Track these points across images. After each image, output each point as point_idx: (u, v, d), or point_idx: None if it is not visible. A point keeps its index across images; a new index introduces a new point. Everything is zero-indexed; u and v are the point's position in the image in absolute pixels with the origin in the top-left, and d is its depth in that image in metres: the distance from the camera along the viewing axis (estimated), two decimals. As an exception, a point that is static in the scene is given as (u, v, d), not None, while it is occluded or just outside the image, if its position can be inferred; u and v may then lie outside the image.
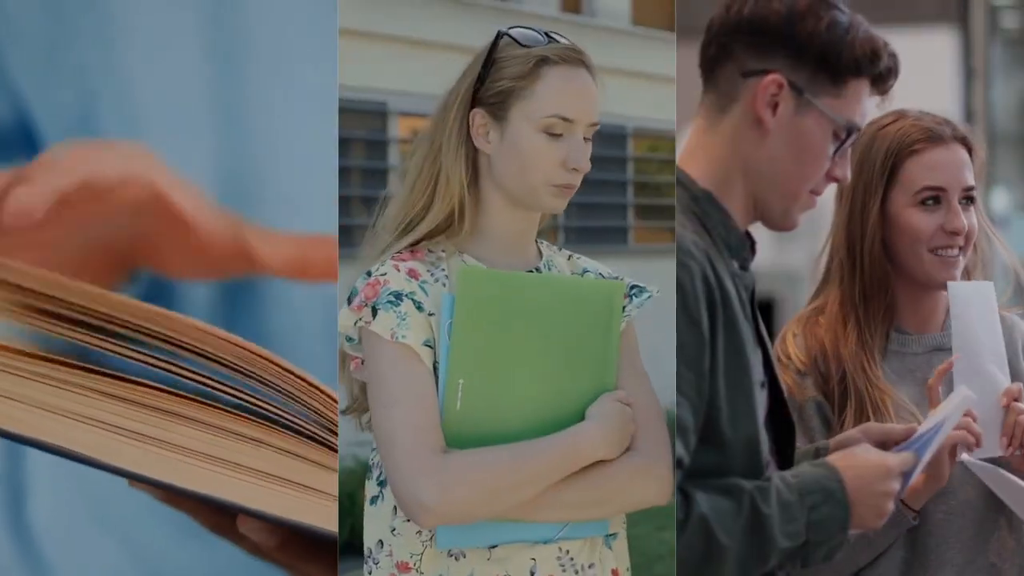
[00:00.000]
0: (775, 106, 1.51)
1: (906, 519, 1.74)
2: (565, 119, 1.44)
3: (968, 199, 1.84)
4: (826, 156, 1.52)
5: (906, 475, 1.57)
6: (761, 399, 1.53)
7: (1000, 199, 5.93)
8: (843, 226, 1.86)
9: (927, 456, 1.60)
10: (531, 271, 1.51)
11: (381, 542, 1.45)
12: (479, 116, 1.45)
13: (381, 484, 1.45)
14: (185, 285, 1.52)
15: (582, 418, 1.44)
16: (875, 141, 1.84)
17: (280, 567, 1.43)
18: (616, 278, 1.52)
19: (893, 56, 1.54)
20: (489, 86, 1.45)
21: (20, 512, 1.81)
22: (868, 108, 1.55)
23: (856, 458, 1.54)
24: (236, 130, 1.59)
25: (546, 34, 1.47)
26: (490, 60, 1.46)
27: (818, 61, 1.51)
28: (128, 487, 1.74)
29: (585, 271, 1.53)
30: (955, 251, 1.82)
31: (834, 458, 1.55)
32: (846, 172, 1.55)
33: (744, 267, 1.55)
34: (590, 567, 1.47)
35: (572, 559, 1.46)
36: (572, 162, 1.45)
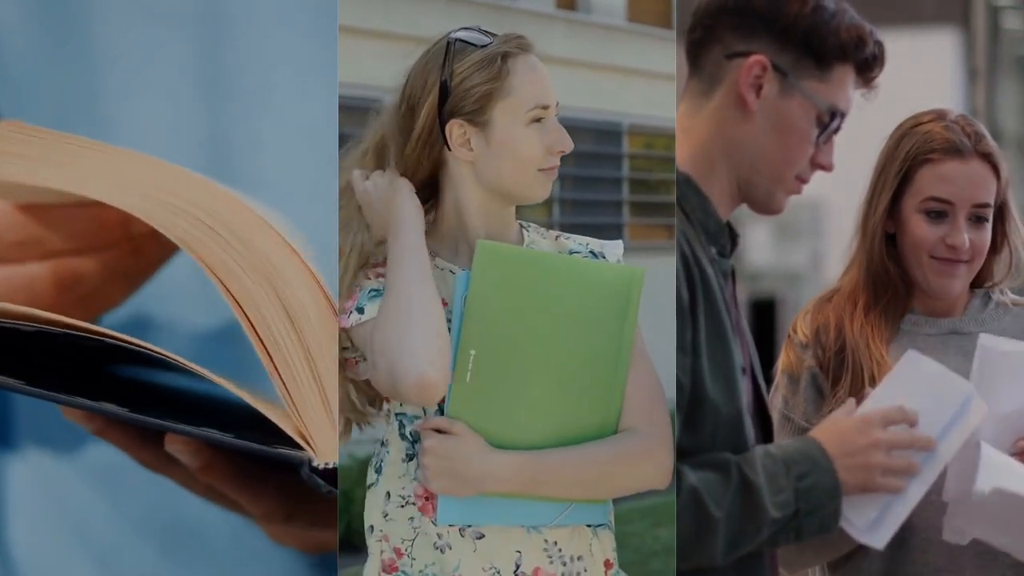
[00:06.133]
0: (759, 88, 1.53)
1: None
2: (544, 107, 1.45)
3: (979, 216, 1.84)
4: (809, 140, 1.54)
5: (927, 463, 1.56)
6: (744, 385, 1.54)
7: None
8: (862, 213, 1.89)
9: (938, 460, 1.59)
10: None
11: (372, 528, 1.48)
12: (457, 127, 1.45)
13: (378, 471, 1.48)
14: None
15: (589, 399, 1.45)
16: (904, 138, 1.86)
17: (210, 497, 1.44)
18: (596, 253, 1.52)
19: (879, 44, 1.56)
20: (463, 96, 1.45)
21: None
22: (853, 96, 1.57)
23: (829, 421, 1.56)
24: (232, 140, 1.58)
25: (480, 29, 1.48)
26: (447, 70, 1.45)
27: (803, 44, 1.53)
28: (107, 512, 1.74)
29: (572, 251, 1.53)
30: (958, 262, 1.83)
31: (813, 431, 1.56)
32: (831, 160, 1.56)
33: (722, 254, 1.56)
34: (579, 559, 1.47)
35: (560, 550, 1.47)
36: (559, 145, 1.47)
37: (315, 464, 1.28)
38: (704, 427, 1.49)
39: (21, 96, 1.70)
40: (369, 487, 1.49)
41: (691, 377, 1.48)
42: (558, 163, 1.49)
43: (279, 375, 1.31)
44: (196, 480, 1.41)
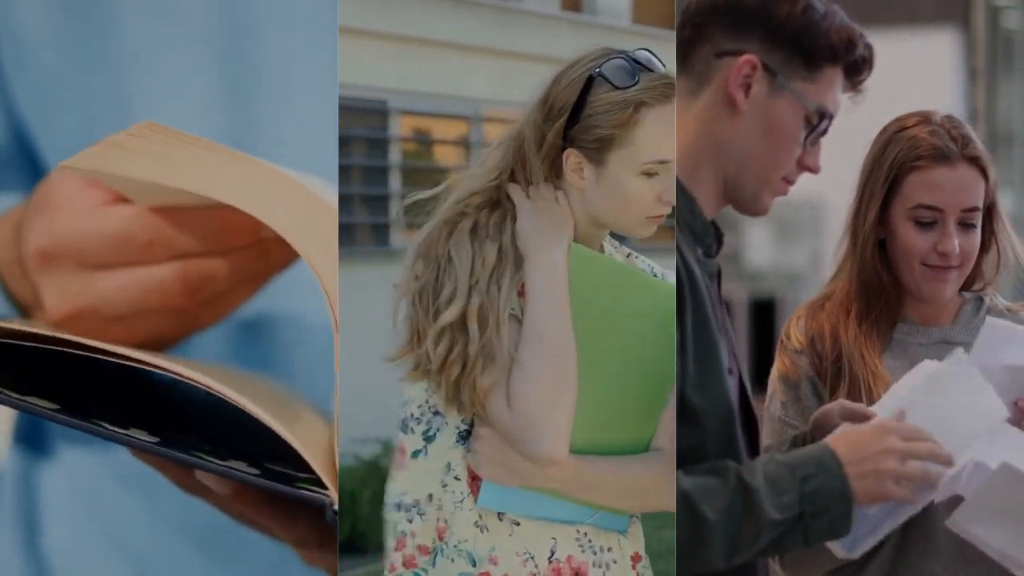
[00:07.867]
0: (748, 87, 1.52)
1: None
2: (663, 162, 1.46)
3: (968, 221, 1.83)
4: (797, 141, 1.54)
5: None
6: (731, 384, 1.54)
7: (1003, 199, 5.95)
8: (851, 219, 1.88)
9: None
10: None
11: (431, 496, 1.50)
12: (573, 155, 1.47)
13: (428, 440, 1.49)
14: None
15: (631, 414, 1.50)
16: (890, 144, 1.84)
17: (244, 523, 1.45)
18: (657, 276, 1.55)
19: (868, 47, 1.56)
20: (586, 130, 1.46)
21: (35, 542, 1.80)
22: (840, 98, 1.56)
23: (846, 433, 1.56)
24: (237, 139, 1.59)
25: (634, 61, 1.47)
26: (583, 102, 1.46)
27: (793, 45, 1.53)
28: (143, 515, 1.74)
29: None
30: (949, 267, 1.83)
31: (825, 439, 1.56)
32: (817, 161, 1.56)
33: (708, 254, 1.57)
34: (608, 550, 1.53)
35: (591, 541, 1.52)
36: (668, 196, 1.48)
37: (335, 508, 1.28)
38: (695, 427, 1.50)
39: (46, 97, 1.71)
40: (415, 454, 1.50)
41: (681, 377, 1.49)
42: (668, 211, 1.51)
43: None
44: (229, 506, 1.42)
